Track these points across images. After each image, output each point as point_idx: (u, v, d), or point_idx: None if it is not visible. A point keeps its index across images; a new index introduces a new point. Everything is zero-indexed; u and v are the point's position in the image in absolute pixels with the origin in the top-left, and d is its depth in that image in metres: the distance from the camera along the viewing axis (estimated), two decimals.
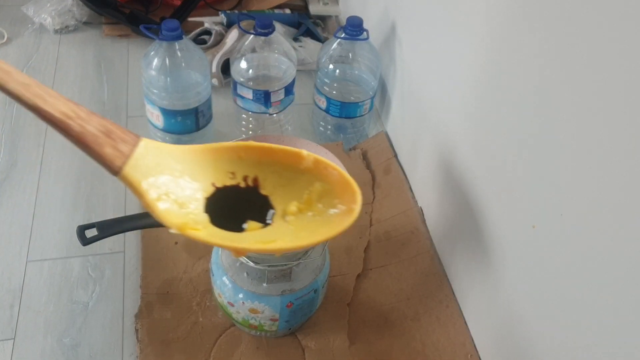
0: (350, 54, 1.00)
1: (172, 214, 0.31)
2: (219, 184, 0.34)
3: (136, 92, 1.16)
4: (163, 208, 0.31)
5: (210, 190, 0.34)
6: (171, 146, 0.34)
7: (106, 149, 0.32)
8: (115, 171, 0.32)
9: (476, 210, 0.75)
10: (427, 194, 0.93)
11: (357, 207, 0.33)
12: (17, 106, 1.09)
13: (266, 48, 0.99)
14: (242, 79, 0.99)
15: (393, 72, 1.04)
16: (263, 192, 0.34)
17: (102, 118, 0.33)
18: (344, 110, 1.02)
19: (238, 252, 0.33)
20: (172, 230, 0.32)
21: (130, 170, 0.32)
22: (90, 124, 0.32)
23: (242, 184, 0.34)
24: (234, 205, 0.34)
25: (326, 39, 1.28)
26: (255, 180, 0.34)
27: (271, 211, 0.34)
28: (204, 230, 0.32)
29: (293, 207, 0.34)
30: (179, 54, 0.91)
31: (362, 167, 1.02)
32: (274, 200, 0.34)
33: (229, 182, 0.34)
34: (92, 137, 0.31)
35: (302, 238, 0.32)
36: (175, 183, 0.32)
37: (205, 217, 0.33)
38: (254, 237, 0.33)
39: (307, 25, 1.29)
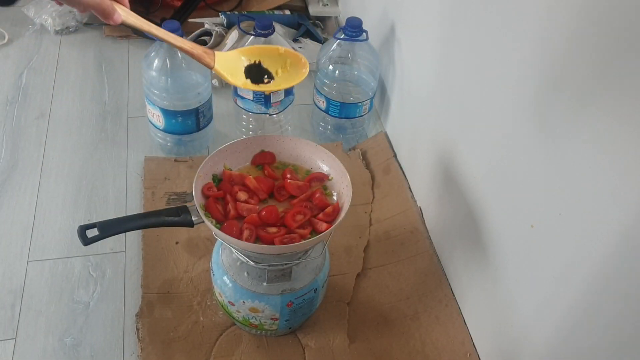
0: (349, 55, 1.00)
1: (238, 81, 0.69)
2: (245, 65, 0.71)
3: (137, 93, 1.16)
4: (234, 80, 0.68)
5: (243, 69, 0.70)
6: (225, 53, 0.69)
7: (207, 59, 0.66)
8: (212, 67, 0.66)
9: (475, 210, 0.76)
10: (426, 193, 0.94)
11: (307, 67, 0.70)
12: (19, 107, 1.10)
13: None
14: None
15: (392, 72, 1.04)
16: (264, 66, 0.70)
17: (201, 47, 0.66)
18: (344, 111, 1.03)
19: (273, 88, 0.71)
20: (241, 86, 0.70)
21: (217, 66, 0.67)
22: (198, 49, 0.66)
23: (253, 64, 0.71)
24: (256, 73, 0.70)
25: (326, 39, 1.29)
26: (259, 62, 0.70)
27: (272, 73, 0.71)
28: (251, 85, 0.69)
29: (280, 70, 0.71)
30: (179, 54, 0.92)
31: (362, 167, 1.02)
32: (270, 69, 0.70)
33: (247, 63, 0.70)
34: (201, 54, 0.66)
35: (289, 81, 0.70)
36: (234, 68, 0.69)
37: (248, 80, 0.69)
38: (272, 84, 0.70)
39: (306, 26, 1.30)
